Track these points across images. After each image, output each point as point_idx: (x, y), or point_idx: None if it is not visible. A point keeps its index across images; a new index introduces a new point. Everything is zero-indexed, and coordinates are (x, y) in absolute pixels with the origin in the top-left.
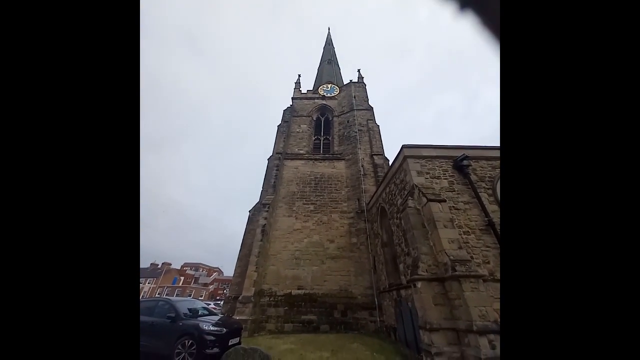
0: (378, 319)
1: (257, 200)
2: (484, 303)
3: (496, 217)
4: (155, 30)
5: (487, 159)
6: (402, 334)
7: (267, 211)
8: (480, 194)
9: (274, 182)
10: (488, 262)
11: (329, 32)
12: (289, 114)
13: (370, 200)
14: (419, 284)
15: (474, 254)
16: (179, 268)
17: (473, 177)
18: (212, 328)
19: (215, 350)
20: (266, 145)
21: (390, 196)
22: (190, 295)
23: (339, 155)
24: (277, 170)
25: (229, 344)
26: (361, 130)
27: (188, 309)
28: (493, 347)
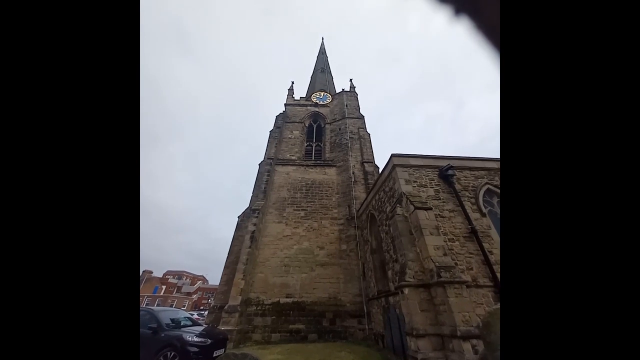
0: (366, 327)
1: (247, 206)
2: (467, 308)
3: (479, 225)
4: (142, 23)
5: (471, 169)
6: (389, 341)
7: (256, 217)
8: (464, 202)
9: (265, 188)
10: (471, 269)
11: (322, 42)
12: (282, 120)
13: (360, 207)
14: (406, 290)
15: (458, 260)
16: (161, 276)
17: (457, 186)
18: (195, 339)
19: None
20: (257, 150)
21: (379, 203)
22: (172, 305)
23: (330, 162)
24: (268, 175)
25: (214, 355)
26: (352, 137)
27: (170, 319)
28: (476, 352)
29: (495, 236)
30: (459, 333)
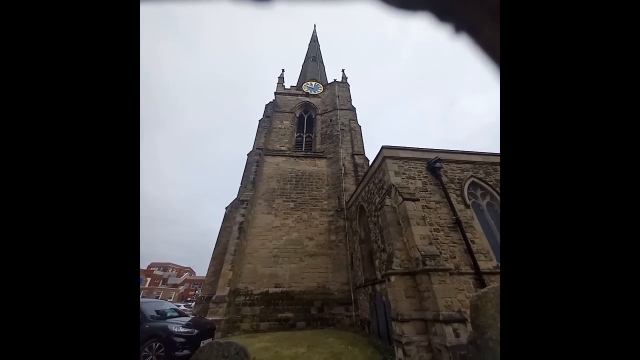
0: (353, 314)
1: (235, 197)
2: (449, 294)
3: (463, 216)
4: None
5: (457, 162)
6: (375, 327)
7: (245, 208)
8: (449, 194)
9: (254, 178)
10: (454, 257)
11: (314, 29)
12: (271, 109)
13: (350, 199)
14: (392, 278)
15: (442, 249)
16: (146, 268)
17: (444, 179)
18: (181, 329)
19: (186, 352)
20: (246, 142)
21: (369, 195)
22: (158, 297)
23: (320, 154)
24: (257, 166)
25: (201, 345)
26: (343, 129)
27: (155, 310)
28: (457, 335)
29: (478, 226)
30: (441, 317)
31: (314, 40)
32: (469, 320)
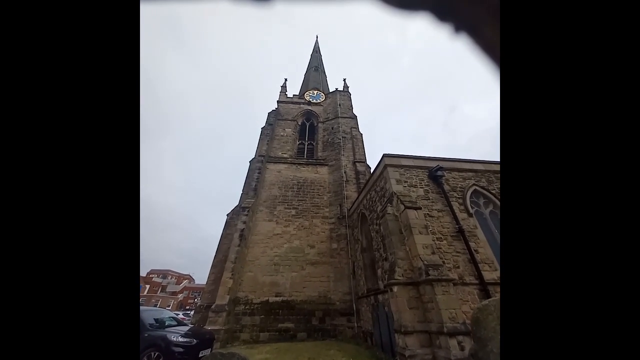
0: (355, 325)
1: (236, 204)
2: (453, 305)
3: (466, 225)
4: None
5: (459, 170)
6: (378, 339)
7: (246, 215)
8: (452, 202)
9: (255, 185)
10: (458, 267)
11: (316, 40)
12: (274, 117)
13: (351, 206)
14: (395, 288)
15: (445, 259)
16: (145, 275)
17: (446, 187)
18: (180, 339)
19: None
20: (248, 148)
21: (370, 203)
22: (156, 305)
23: (322, 161)
24: (259, 173)
25: (200, 355)
26: (345, 137)
27: (154, 319)
28: (462, 349)
29: (481, 236)
30: (445, 330)
31: (316, 51)
32: None
